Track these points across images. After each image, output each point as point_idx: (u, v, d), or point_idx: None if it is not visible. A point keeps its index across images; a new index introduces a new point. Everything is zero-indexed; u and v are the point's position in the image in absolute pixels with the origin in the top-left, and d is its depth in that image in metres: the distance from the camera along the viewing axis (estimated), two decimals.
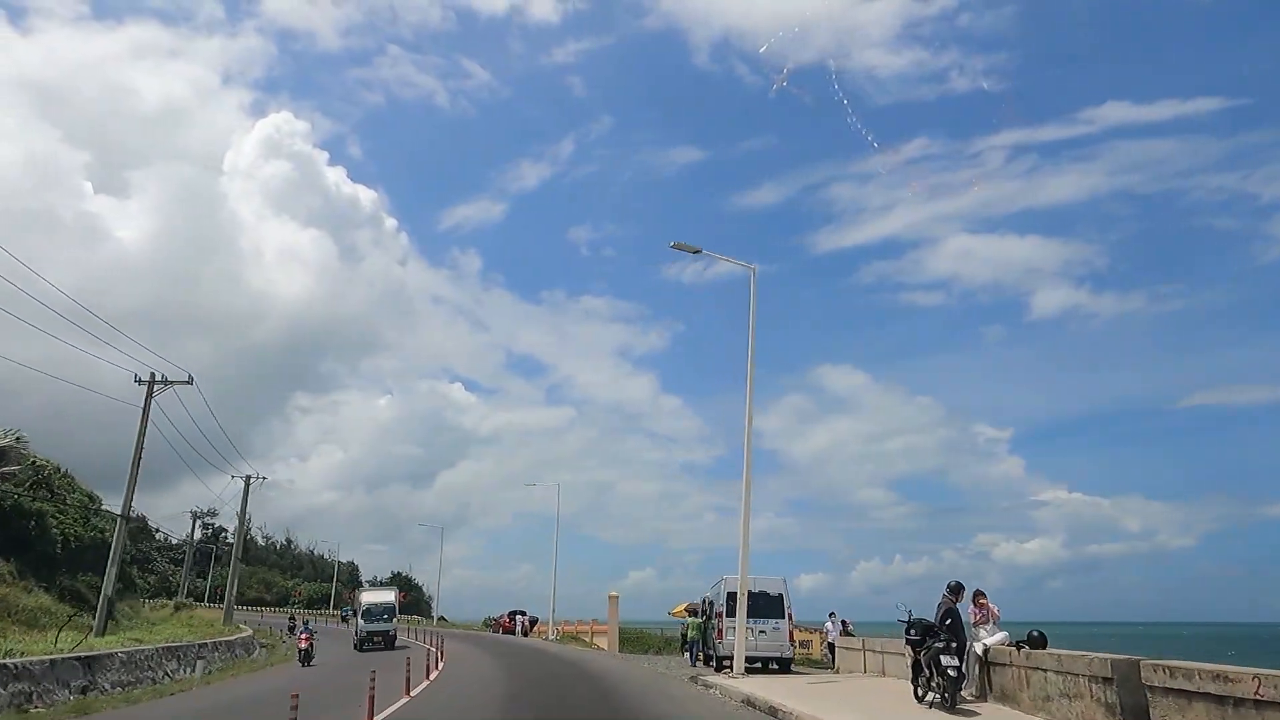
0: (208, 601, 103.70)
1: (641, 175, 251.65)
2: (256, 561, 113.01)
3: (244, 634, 43.10)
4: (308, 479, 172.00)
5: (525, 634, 54.09)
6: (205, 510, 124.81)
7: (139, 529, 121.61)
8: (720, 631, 23.27)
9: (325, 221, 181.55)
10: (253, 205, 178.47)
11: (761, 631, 22.79)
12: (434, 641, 36.25)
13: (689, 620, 29.35)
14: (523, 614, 55.19)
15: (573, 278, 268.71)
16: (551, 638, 46.79)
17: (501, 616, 57.49)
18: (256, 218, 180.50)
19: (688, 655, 28.32)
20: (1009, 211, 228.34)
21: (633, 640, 57.98)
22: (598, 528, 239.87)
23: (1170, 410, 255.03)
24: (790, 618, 23.43)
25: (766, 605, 22.96)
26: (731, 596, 22.96)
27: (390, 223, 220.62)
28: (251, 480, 58.13)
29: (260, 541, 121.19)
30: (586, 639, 49.60)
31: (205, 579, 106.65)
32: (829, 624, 26.78)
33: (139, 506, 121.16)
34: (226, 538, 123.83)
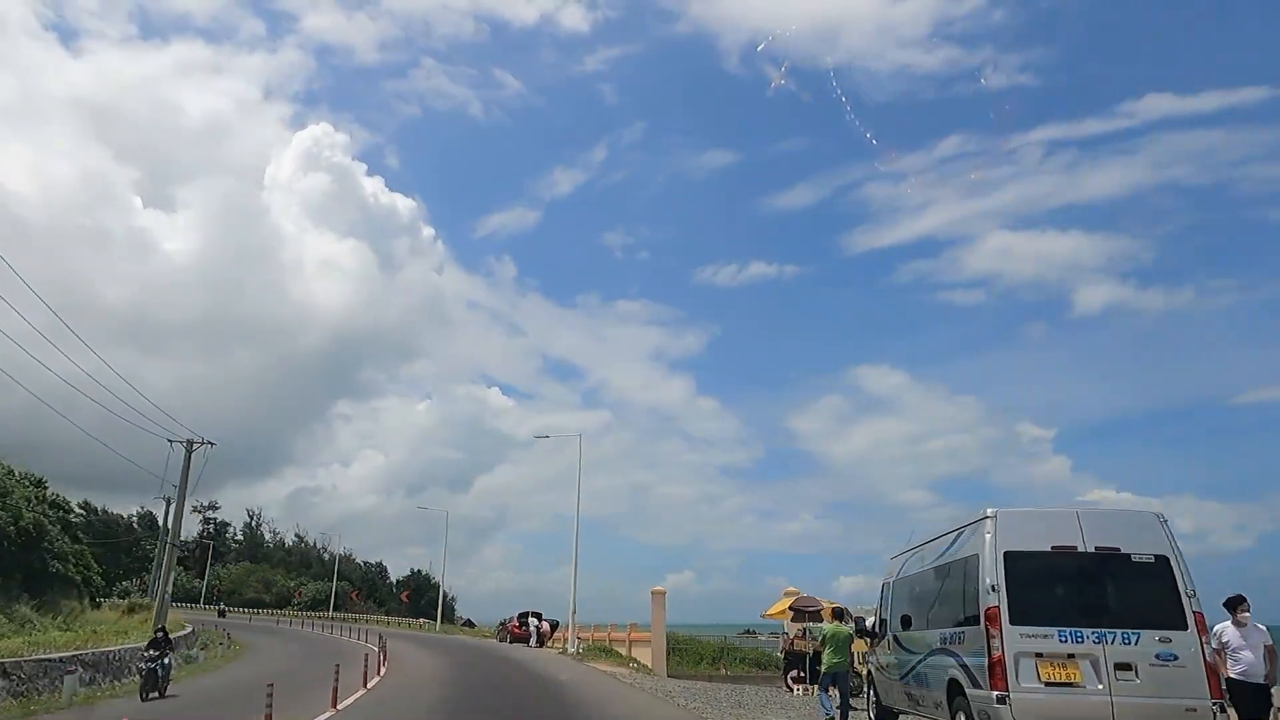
0: (202, 603, 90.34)
1: (674, 179, 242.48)
2: (262, 559, 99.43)
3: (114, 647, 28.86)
4: (350, 484, 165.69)
5: (541, 643, 39.30)
6: (207, 504, 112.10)
7: (148, 525, 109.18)
8: (999, 667, 8.00)
9: (364, 231, 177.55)
10: (294, 216, 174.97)
11: (1132, 669, 7.66)
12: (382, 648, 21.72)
13: (825, 630, 14.33)
14: (537, 617, 40.36)
15: (607, 282, 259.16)
16: (572, 650, 31.75)
17: (510, 621, 42.68)
18: (298, 228, 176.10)
19: (820, 700, 13.39)
20: (1049, 208, 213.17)
21: (682, 650, 42.88)
22: (635, 530, 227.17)
23: (1223, 407, 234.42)
24: (1201, 623, 8.16)
25: (1131, 590, 7.80)
26: (1033, 563, 8.09)
27: (428, 231, 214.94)
28: (195, 446, 44.17)
29: (267, 538, 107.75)
30: (622, 650, 34.82)
31: (205, 577, 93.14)
32: (1232, 630, 9.92)
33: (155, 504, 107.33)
34: (233, 533, 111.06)
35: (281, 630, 53.81)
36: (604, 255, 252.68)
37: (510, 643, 40.43)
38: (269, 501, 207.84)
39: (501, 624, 45.81)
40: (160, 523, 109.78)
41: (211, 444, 46.31)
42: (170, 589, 45.22)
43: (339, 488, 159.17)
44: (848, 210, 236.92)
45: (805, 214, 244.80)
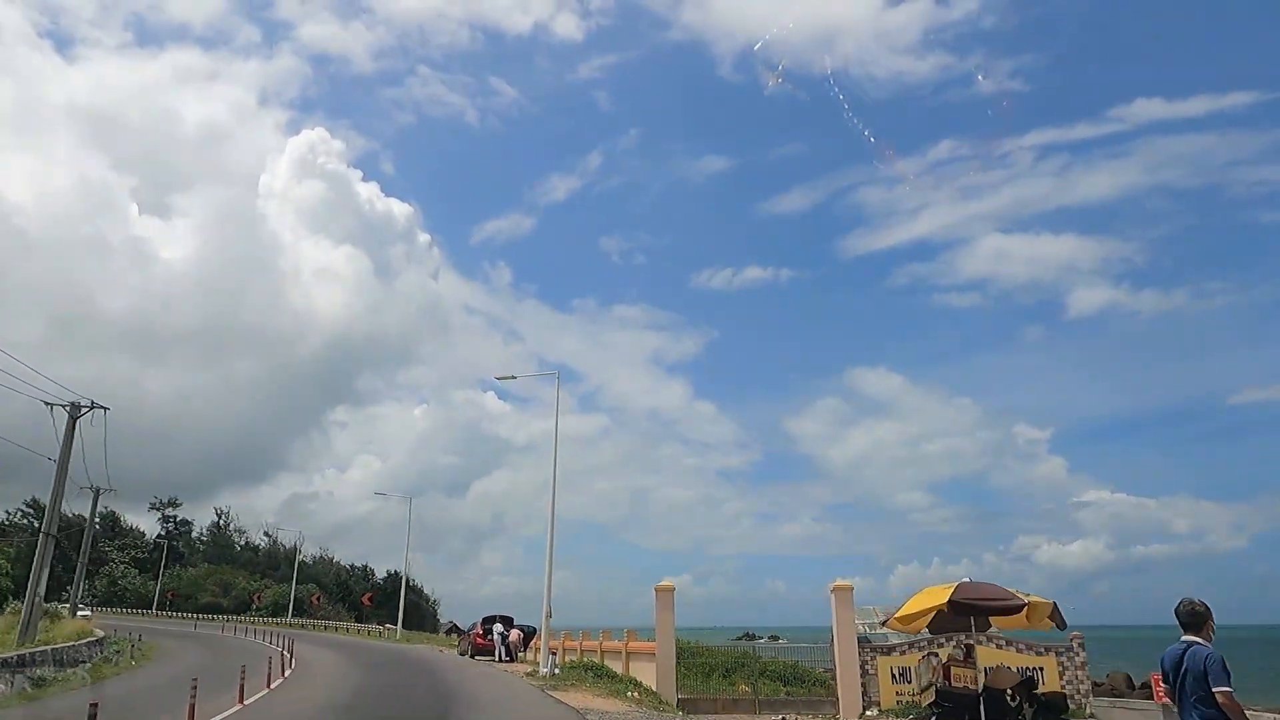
0: (155, 609, 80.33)
1: (670, 185, 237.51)
2: (228, 561, 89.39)
3: None
4: (347, 489, 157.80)
5: (512, 656, 29.78)
6: (165, 500, 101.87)
7: (109, 525, 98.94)
8: None
9: (360, 237, 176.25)
10: (290, 222, 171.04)
11: None
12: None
13: None
14: (505, 623, 30.73)
15: (605, 287, 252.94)
16: (545, 670, 22.06)
17: (473, 629, 32.90)
18: (294, 235, 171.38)
19: None
20: (1042, 210, 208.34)
21: (687, 662, 33.16)
22: (634, 534, 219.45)
23: (1219, 408, 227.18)
24: None
25: None
26: None
27: (424, 237, 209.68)
28: (82, 410, 34.55)
29: (235, 539, 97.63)
30: (617, 664, 25.40)
31: (159, 580, 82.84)
32: None
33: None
34: (196, 532, 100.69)
35: (214, 638, 44.58)
36: (601, 260, 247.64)
37: (473, 656, 30.85)
38: (266, 508, 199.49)
39: (464, 633, 36.15)
40: (122, 523, 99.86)
41: (105, 408, 36.73)
42: (42, 590, 35.34)
43: (335, 493, 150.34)
44: (843, 214, 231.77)
45: (800, 218, 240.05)
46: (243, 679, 16.17)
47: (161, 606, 78.99)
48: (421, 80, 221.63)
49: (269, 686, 18.65)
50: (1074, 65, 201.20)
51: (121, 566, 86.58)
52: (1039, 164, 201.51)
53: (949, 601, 9.06)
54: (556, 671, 21.72)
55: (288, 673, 22.60)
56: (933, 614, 9.49)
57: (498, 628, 30.22)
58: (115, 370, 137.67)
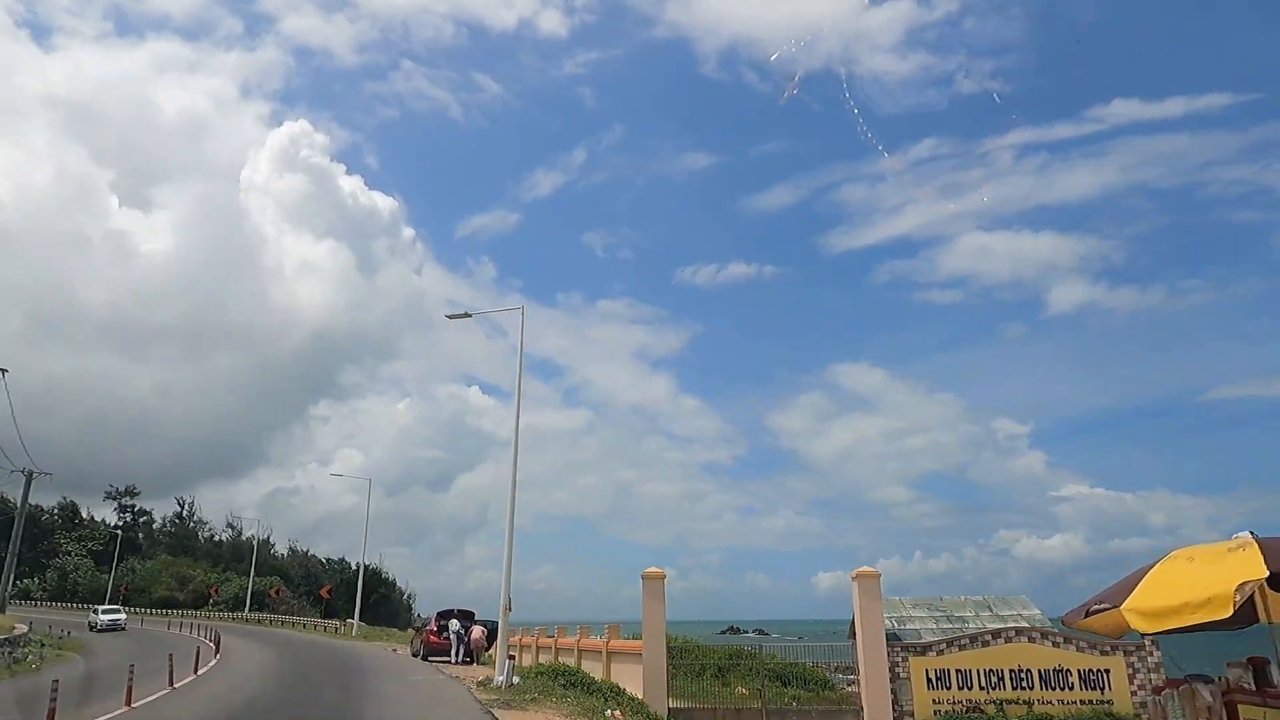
0: (106, 603, 74.33)
1: (655, 181, 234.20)
2: (183, 553, 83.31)
3: None
4: (329, 483, 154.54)
5: (472, 657, 24.76)
6: (122, 489, 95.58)
7: (68, 516, 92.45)
8: None
9: (343, 231, 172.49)
10: (273, 215, 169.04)
11: None
12: None
13: None
14: (464, 619, 25.66)
15: (589, 281, 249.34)
16: (500, 680, 16.93)
17: (427, 625, 27.68)
18: (276, 229, 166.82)
19: None
20: (1023, 209, 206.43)
21: (674, 662, 28.38)
22: (619, 528, 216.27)
23: (1194, 404, 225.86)
24: None
25: None
26: None
27: (407, 232, 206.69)
28: None
29: (199, 531, 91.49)
30: (596, 666, 20.51)
31: (113, 572, 76.69)
32: None
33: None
34: (158, 524, 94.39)
35: (152, 635, 39.84)
36: (586, 255, 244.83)
37: (425, 658, 25.77)
38: (247, 502, 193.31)
39: (415, 629, 31.02)
40: (85, 514, 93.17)
41: (2, 370, 31.37)
42: None
43: (317, 488, 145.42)
44: (825, 211, 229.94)
45: (784, 215, 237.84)
46: (53, 702, 11.09)
47: (114, 601, 72.98)
48: (405, 74, 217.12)
49: (129, 705, 13.71)
50: (1053, 66, 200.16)
51: (75, 559, 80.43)
52: (1019, 163, 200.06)
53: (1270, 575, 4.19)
54: (515, 681, 16.69)
55: (179, 683, 17.48)
56: (1221, 601, 4.61)
57: (454, 624, 25.13)
58: (95, 365, 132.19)
